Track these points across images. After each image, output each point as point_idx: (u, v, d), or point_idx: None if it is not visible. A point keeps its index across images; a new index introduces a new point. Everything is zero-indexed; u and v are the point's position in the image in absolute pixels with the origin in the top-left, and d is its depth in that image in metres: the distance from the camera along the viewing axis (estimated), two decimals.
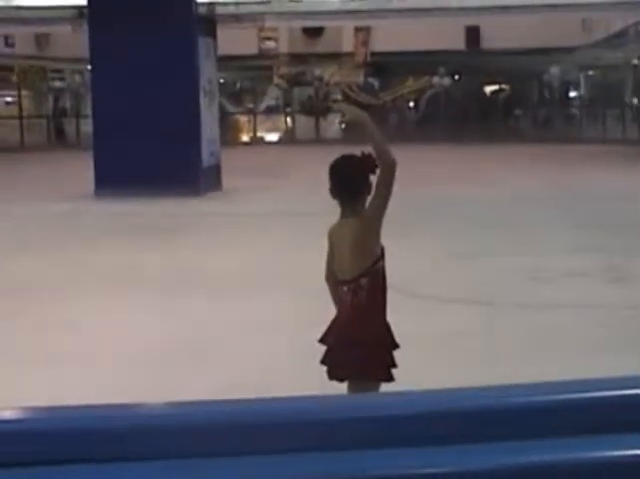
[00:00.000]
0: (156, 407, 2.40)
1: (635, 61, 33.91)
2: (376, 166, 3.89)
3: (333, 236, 4.06)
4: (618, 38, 30.17)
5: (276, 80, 38.15)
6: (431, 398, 2.26)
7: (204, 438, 2.10)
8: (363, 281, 3.91)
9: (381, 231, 3.94)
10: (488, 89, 40.52)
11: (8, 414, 2.17)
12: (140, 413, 2.28)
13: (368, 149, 3.93)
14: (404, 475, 2.01)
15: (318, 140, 33.27)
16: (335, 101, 36.26)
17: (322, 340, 4.03)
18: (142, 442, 2.09)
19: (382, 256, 3.96)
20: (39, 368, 6.36)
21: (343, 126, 31.88)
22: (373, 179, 3.93)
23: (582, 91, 39.33)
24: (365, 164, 3.91)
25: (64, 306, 8.23)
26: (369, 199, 3.94)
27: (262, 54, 33.71)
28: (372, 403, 2.34)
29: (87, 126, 24.14)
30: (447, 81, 38.47)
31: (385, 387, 3.86)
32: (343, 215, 4.01)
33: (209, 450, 2.07)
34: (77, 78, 37.14)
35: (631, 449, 2.03)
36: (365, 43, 34.35)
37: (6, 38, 31.00)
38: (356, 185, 3.93)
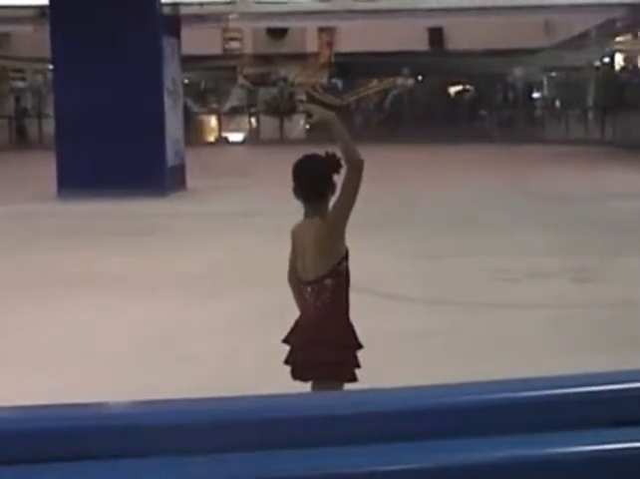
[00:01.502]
0: (127, 405, 2.40)
1: (597, 63, 34.25)
2: (340, 166, 3.88)
3: (297, 236, 4.04)
4: (580, 40, 30.44)
5: (240, 80, 38.14)
6: (402, 395, 2.27)
7: (183, 436, 2.09)
8: (327, 282, 3.89)
9: (345, 231, 3.93)
10: (452, 90, 40.74)
11: None
12: (132, 412, 2.27)
13: (332, 149, 3.91)
14: (379, 472, 2.01)
15: (282, 140, 33.26)
16: (300, 101, 36.29)
17: (286, 340, 4.01)
18: (133, 440, 2.08)
19: (346, 256, 3.95)
20: (8, 369, 6.30)
21: (308, 126, 31.95)
22: (337, 179, 3.92)
23: (545, 92, 39.66)
24: (329, 164, 3.89)
25: (29, 308, 8.14)
26: (333, 199, 3.92)
27: (226, 54, 33.67)
28: (350, 401, 2.34)
29: (49, 126, 23.94)
30: (411, 82, 38.65)
31: (348, 387, 3.85)
32: (307, 215, 3.98)
33: (189, 448, 2.06)
34: (39, 78, 36.86)
35: (598, 444, 2.04)
36: (329, 44, 34.41)
37: None
38: (320, 185, 3.91)
